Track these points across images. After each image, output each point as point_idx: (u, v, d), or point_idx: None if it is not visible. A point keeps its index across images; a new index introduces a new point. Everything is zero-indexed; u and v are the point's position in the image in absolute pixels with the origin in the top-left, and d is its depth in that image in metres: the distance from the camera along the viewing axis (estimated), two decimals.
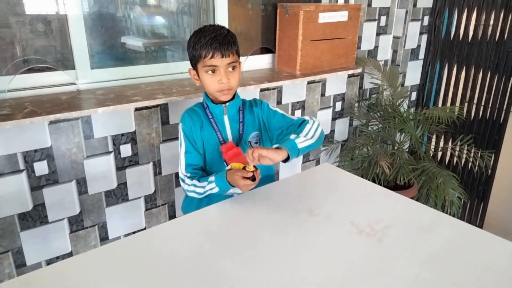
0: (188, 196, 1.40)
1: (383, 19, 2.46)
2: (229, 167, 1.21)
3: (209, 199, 1.26)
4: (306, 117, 1.33)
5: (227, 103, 1.30)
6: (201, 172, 1.31)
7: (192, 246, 1.00)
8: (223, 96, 1.26)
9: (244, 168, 1.16)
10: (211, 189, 1.21)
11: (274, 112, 1.37)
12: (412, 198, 2.07)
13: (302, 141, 1.19)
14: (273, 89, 2.06)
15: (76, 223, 1.65)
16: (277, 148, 1.14)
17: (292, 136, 1.19)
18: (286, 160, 1.15)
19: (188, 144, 1.28)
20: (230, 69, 1.24)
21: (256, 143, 1.37)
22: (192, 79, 1.32)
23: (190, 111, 1.32)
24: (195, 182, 1.24)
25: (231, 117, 1.33)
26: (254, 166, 1.14)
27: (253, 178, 1.14)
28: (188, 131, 1.29)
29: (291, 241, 1.02)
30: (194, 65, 1.27)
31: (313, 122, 1.28)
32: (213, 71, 1.22)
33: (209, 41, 1.18)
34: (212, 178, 1.21)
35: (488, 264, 0.93)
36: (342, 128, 2.52)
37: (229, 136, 1.33)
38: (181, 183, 1.29)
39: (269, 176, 1.42)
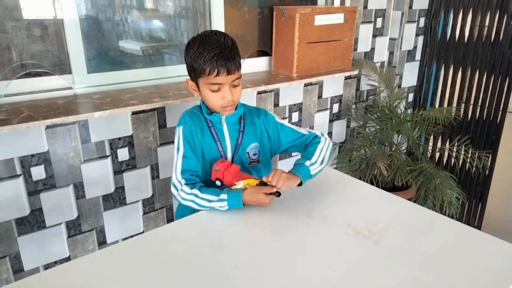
0: (182, 205, 1.32)
1: (379, 21, 2.47)
2: (240, 185, 1.15)
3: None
4: (317, 132, 1.31)
5: None
6: (198, 179, 1.21)
7: (190, 249, 1.00)
8: (226, 112, 1.21)
9: (262, 184, 1.13)
10: (220, 206, 1.13)
11: (281, 125, 1.32)
12: (410, 199, 2.07)
13: (315, 167, 1.22)
14: (270, 91, 2.06)
15: (73, 228, 1.65)
16: (291, 173, 1.17)
17: (307, 163, 1.21)
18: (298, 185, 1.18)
19: (187, 148, 1.20)
20: (234, 85, 1.18)
21: (254, 154, 1.30)
22: (189, 89, 1.25)
23: (191, 114, 1.24)
24: (196, 191, 1.15)
25: (231, 126, 1.26)
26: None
27: (279, 194, 1.13)
28: (189, 134, 1.21)
29: (289, 244, 1.02)
30: (195, 78, 1.19)
31: (325, 141, 1.28)
32: (218, 88, 1.16)
33: (214, 57, 1.11)
34: (224, 196, 1.12)
35: (485, 265, 0.93)
36: (339, 130, 2.52)
37: (228, 146, 1.26)
38: (173, 190, 1.19)
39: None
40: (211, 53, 1.11)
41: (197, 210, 1.17)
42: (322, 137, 1.29)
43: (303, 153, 1.28)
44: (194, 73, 1.18)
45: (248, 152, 1.29)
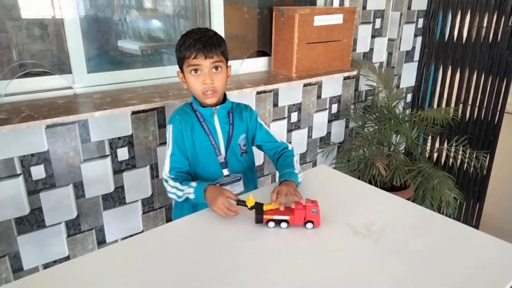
0: (179, 205, 1.40)
1: (378, 21, 2.48)
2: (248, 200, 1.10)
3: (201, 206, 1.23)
4: (289, 145, 1.43)
5: (218, 106, 1.31)
6: (186, 175, 1.31)
7: (189, 249, 1.01)
8: (208, 99, 1.27)
9: (258, 204, 1.09)
10: (188, 193, 1.22)
11: (261, 125, 1.43)
12: (408, 199, 2.08)
13: (300, 176, 1.32)
14: (270, 91, 2.07)
15: (73, 227, 1.65)
16: (286, 181, 1.25)
17: (296, 171, 1.31)
18: None
19: (175, 147, 1.29)
20: (214, 70, 1.24)
21: (244, 145, 1.40)
22: (180, 82, 1.33)
23: (181, 112, 1.33)
24: (177, 184, 1.25)
25: (221, 119, 1.34)
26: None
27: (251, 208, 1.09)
28: (177, 133, 1.29)
29: (288, 243, 1.03)
30: (181, 67, 1.29)
31: (296, 155, 1.40)
32: (196, 71, 1.23)
33: (192, 42, 1.20)
34: (193, 183, 1.22)
35: (483, 263, 0.94)
36: (338, 130, 2.53)
37: (220, 139, 1.34)
38: (164, 183, 1.30)
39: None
40: (191, 39, 1.21)
41: (194, 210, 1.24)
42: (293, 150, 1.41)
43: (283, 164, 1.36)
44: (180, 62, 1.28)
45: (239, 144, 1.39)
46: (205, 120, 1.32)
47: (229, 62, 1.33)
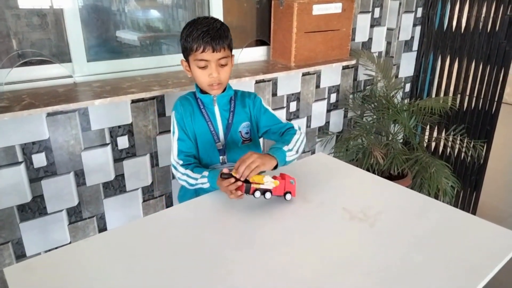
0: (183, 188, 1.41)
1: (376, 11, 2.48)
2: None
3: (206, 190, 1.25)
4: (295, 125, 1.36)
5: (217, 95, 1.32)
6: (194, 160, 1.32)
7: (189, 233, 1.03)
8: (213, 90, 1.29)
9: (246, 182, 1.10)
10: (202, 183, 1.23)
11: (266, 109, 1.40)
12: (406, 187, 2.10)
13: (291, 155, 1.25)
14: (268, 81, 2.08)
15: (74, 214, 1.67)
16: (268, 155, 1.18)
17: (285, 148, 1.24)
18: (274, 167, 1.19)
19: (181, 131, 1.31)
20: (221, 64, 1.25)
21: (246, 133, 1.39)
22: (184, 70, 1.33)
23: (182, 99, 1.35)
24: (188, 172, 1.26)
25: (222, 106, 1.34)
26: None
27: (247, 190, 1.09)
28: (180, 118, 1.31)
29: (286, 227, 1.05)
30: (186, 57, 1.29)
31: (301, 134, 1.32)
32: (204, 65, 1.23)
33: (201, 34, 1.19)
34: (205, 173, 1.22)
35: (476, 246, 0.96)
36: (336, 120, 2.54)
37: (220, 126, 1.35)
38: (173, 170, 1.31)
39: None
40: (199, 31, 1.20)
41: (198, 193, 1.26)
42: (298, 130, 1.34)
43: (279, 140, 1.33)
44: (186, 52, 1.27)
45: (240, 131, 1.38)
46: (205, 107, 1.34)
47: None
